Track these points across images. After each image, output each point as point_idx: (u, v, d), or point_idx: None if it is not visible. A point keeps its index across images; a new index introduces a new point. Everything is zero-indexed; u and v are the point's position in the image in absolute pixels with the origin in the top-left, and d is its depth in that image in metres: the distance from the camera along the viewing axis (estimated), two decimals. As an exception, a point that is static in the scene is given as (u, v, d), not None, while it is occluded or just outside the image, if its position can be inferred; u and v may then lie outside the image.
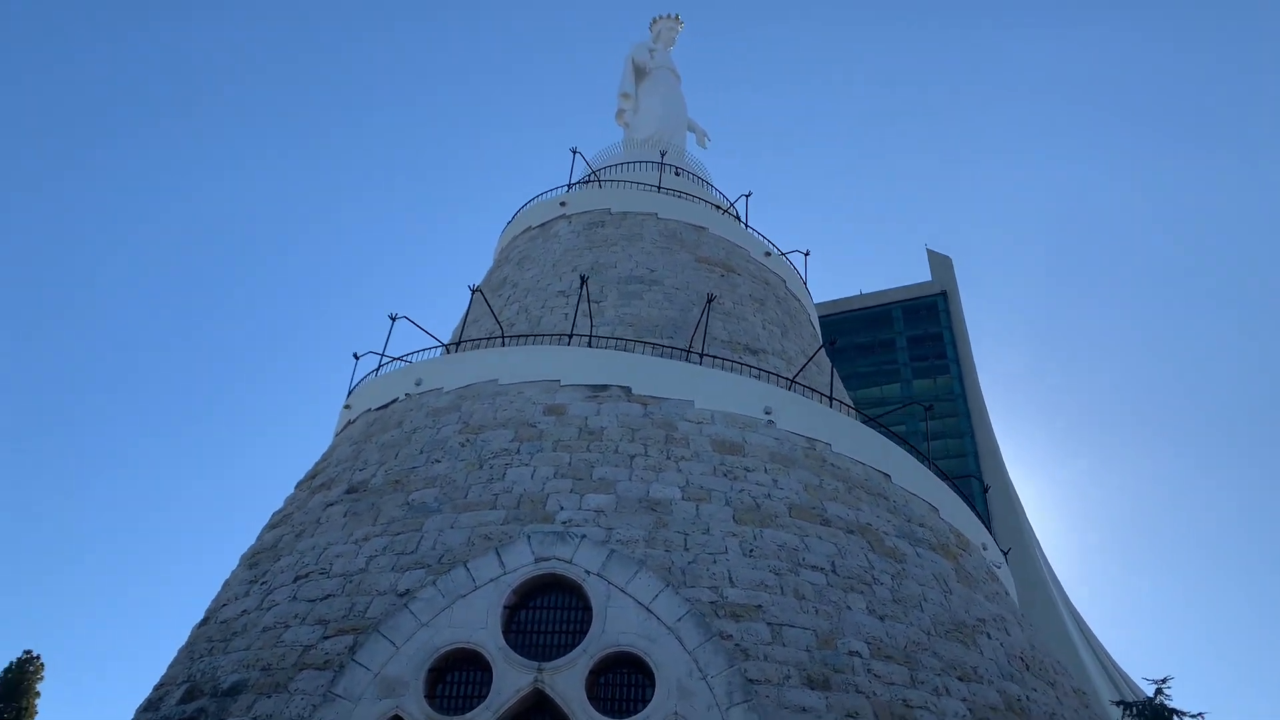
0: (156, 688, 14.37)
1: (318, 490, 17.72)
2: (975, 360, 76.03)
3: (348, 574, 14.33)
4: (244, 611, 14.70)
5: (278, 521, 17.68)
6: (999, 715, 13.32)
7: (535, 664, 12.26)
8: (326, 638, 13.26)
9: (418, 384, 19.37)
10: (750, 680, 12.25)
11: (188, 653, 14.69)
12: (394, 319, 21.75)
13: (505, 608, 13.00)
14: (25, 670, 22.93)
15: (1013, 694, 14.05)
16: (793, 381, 19.61)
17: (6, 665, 22.85)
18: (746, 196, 28.59)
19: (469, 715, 11.92)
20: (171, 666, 14.71)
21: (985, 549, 19.41)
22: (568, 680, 12.14)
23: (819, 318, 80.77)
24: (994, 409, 74.14)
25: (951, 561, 16.83)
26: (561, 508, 14.81)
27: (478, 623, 12.74)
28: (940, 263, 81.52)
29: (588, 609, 12.92)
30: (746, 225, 27.33)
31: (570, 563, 13.29)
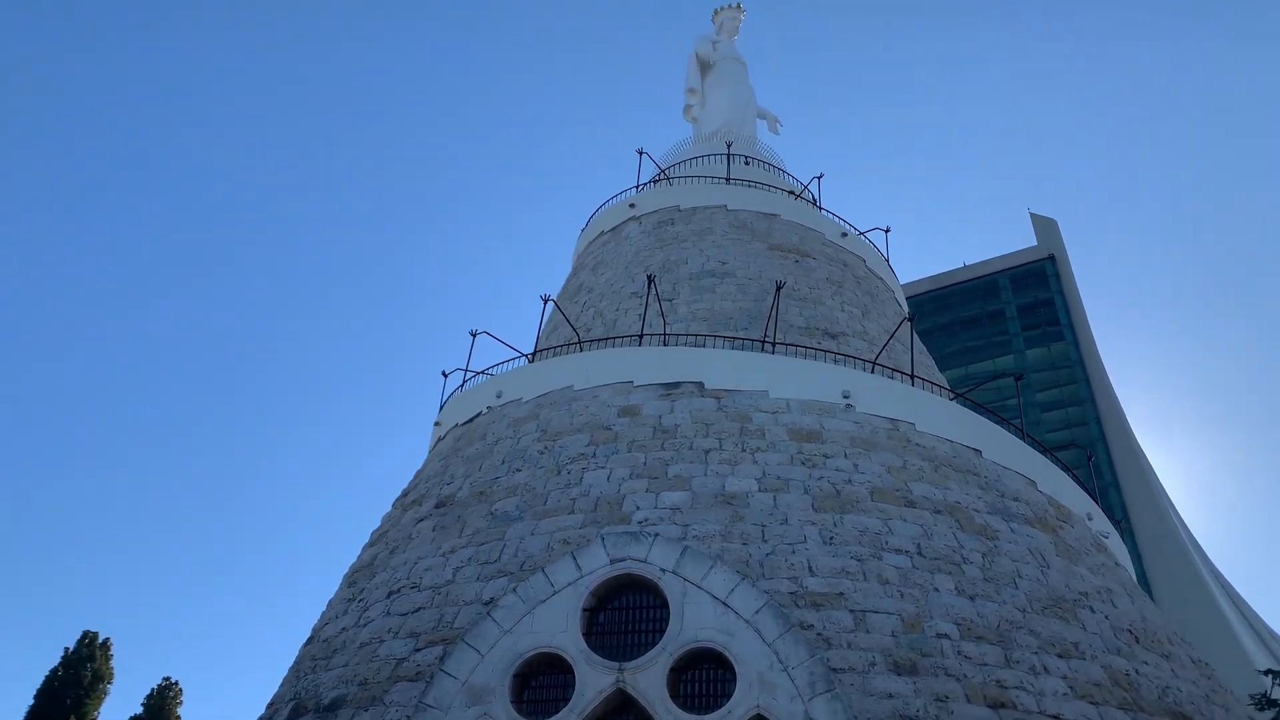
0: (268, 706, 15.07)
1: (410, 507, 18.27)
2: (1091, 324, 72.83)
3: (436, 586, 14.72)
4: (343, 629, 15.27)
5: (375, 540, 18.30)
6: (1103, 691, 12.73)
7: (616, 664, 12.35)
8: (418, 650, 13.65)
9: (499, 396, 19.75)
10: (833, 669, 12.05)
11: (295, 671, 15.34)
12: (474, 335, 22.21)
13: (584, 610, 13.13)
14: (166, 696, 24.38)
15: (1119, 668, 13.41)
16: (874, 363, 19.20)
17: (149, 692, 24.38)
18: (818, 179, 28.17)
19: (554, 719, 12.08)
20: (282, 685, 15.40)
21: (1090, 519, 18.58)
22: (649, 679, 12.19)
23: (920, 295, 79.10)
24: (1116, 373, 70.77)
25: (1050, 535, 16.17)
26: (637, 507, 14.87)
27: (558, 627, 12.91)
28: (1045, 226, 78.51)
29: (665, 607, 12.93)
30: (820, 208, 26.91)
31: (645, 562, 13.33)
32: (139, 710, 23.96)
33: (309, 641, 16.11)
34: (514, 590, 13.45)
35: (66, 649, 20.51)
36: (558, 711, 12.19)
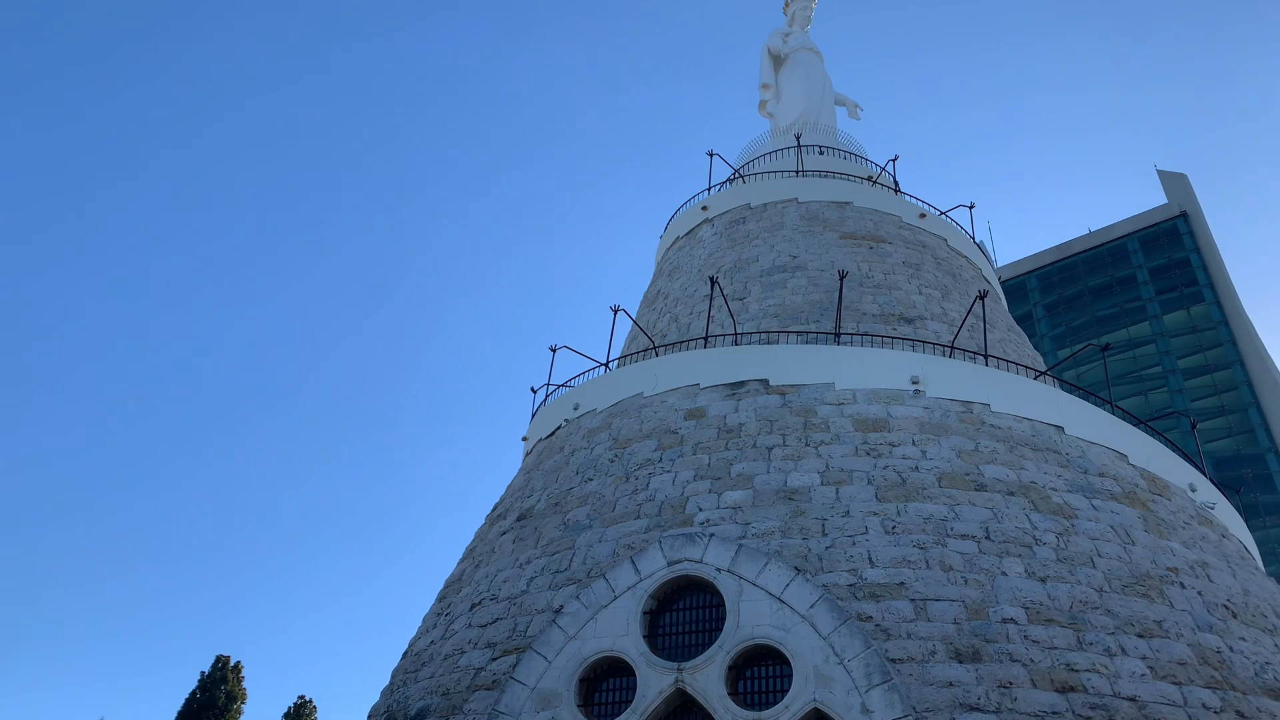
0: (369, 718, 15.93)
1: (495, 521, 18.94)
2: (1234, 281, 68.35)
3: (512, 597, 15.27)
4: (431, 642, 16.01)
5: (466, 555, 19.05)
6: (1188, 670, 12.13)
7: (675, 665, 12.56)
8: (494, 659, 14.20)
9: (576, 408, 20.23)
10: (892, 660, 11.93)
11: (390, 685, 16.18)
12: (554, 350, 22.80)
13: (645, 613, 13.39)
14: (302, 712, 25.92)
15: (1209, 646, 12.73)
16: (952, 346, 18.76)
17: (286, 710, 25.97)
18: (893, 161, 27.62)
19: (619, 719, 12.39)
20: (380, 699, 16.25)
21: (1194, 490, 17.62)
22: (707, 677, 12.34)
23: (1045, 267, 75.98)
24: (1267, 333, 66.01)
25: (1139, 509, 15.46)
26: (700, 509, 15.05)
27: (619, 630, 13.21)
28: (1175, 182, 74.25)
29: (722, 606, 13.06)
30: (898, 191, 26.39)
31: (701, 562, 13.49)
32: (278, 727, 25.70)
33: (404, 656, 16.93)
34: (578, 597, 13.83)
35: (202, 673, 22.22)
36: (621, 713, 12.49)
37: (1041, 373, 19.11)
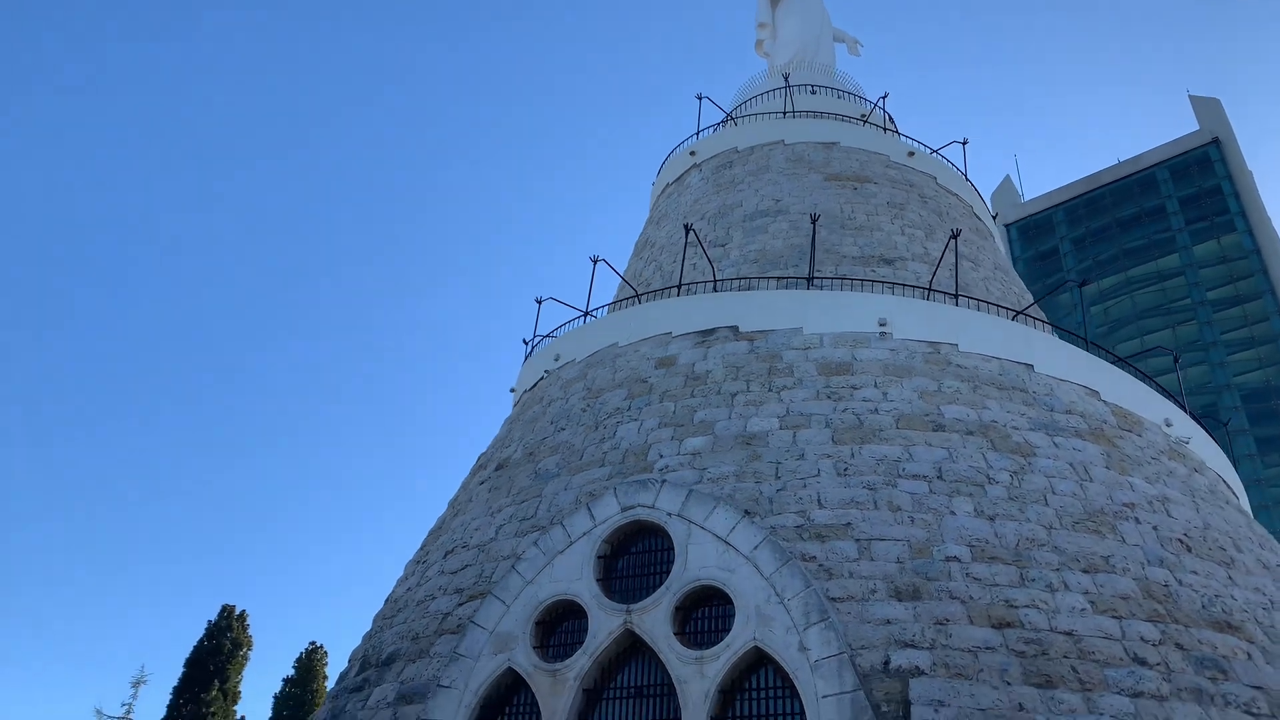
0: (349, 662, 16.54)
1: (477, 471, 19.35)
2: (1267, 210, 66.59)
3: (482, 544, 15.67)
4: (407, 589, 16.52)
5: (449, 505, 19.51)
6: (1130, 604, 12.21)
7: (624, 607, 12.89)
8: (460, 604, 14.65)
9: (556, 359, 20.47)
10: (832, 599, 12.14)
11: (370, 631, 16.74)
12: (540, 302, 22.99)
13: (599, 558, 13.71)
14: (314, 658, 26.91)
15: (1156, 580, 12.78)
16: (930, 288, 18.69)
17: (298, 655, 27.00)
18: (883, 98, 27.17)
19: (569, 661, 12.79)
20: (359, 644, 16.83)
21: (1169, 425, 17.50)
22: (654, 619, 12.66)
23: (1072, 200, 74.45)
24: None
25: (1104, 445, 15.42)
26: (661, 456, 15.26)
27: (574, 575, 13.55)
28: (1207, 108, 72.03)
29: (673, 549, 13.33)
30: (887, 129, 25.99)
31: (653, 508, 13.74)
32: (291, 673, 26.70)
33: (385, 602, 17.48)
34: (536, 544, 14.19)
35: (209, 622, 23.14)
36: (572, 654, 12.88)
37: (1018, 312, 18.95)
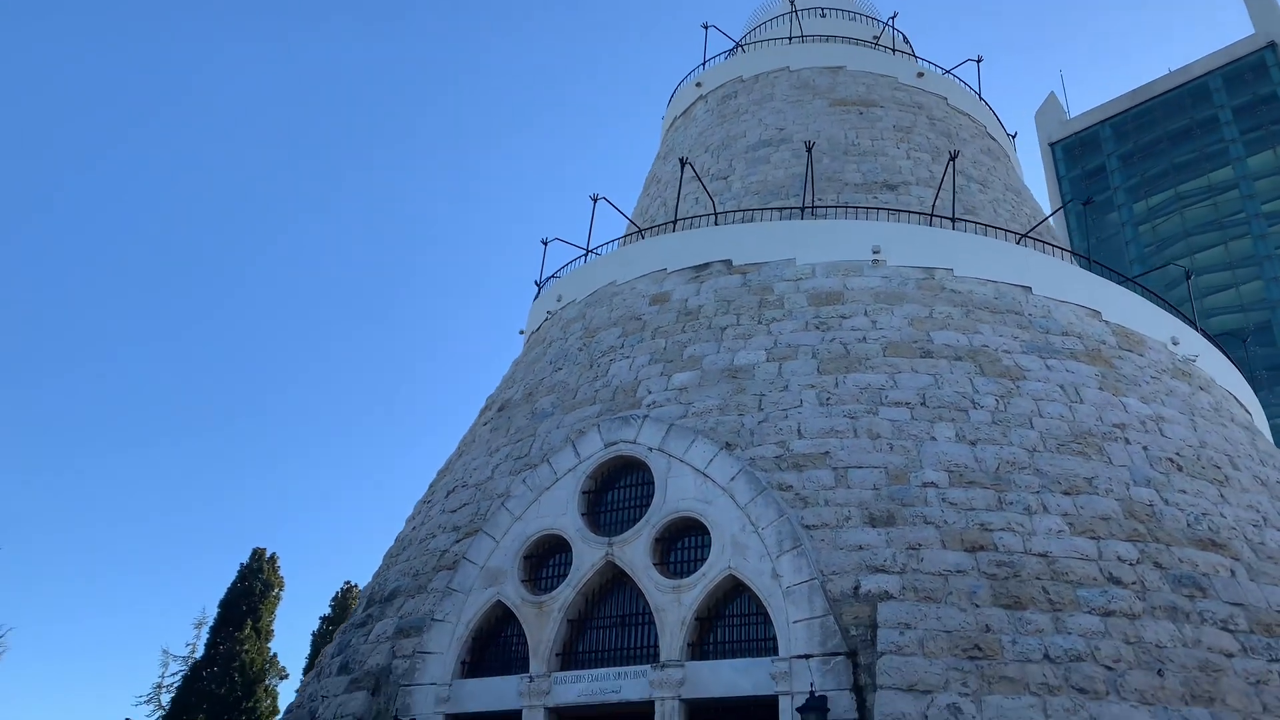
0: (359, 600, 17.12)
1: (484, 413, 19.66)
2: (1327, 114, 63.58)
3: (480, 483, 16.02)
4: (413, 528, 16.99)
5: (457, 446, 19.90)
6: (1110, 525, 12.12)
7: (606, 539, 13.15)
8: (457, 541, 15.05)
9: (559, 300, 20.57)
10: (807, 526, 12.25)
11: (379, 569, 17.28)
12: (545, 243, 22.98)
13: (584, 493, 13.96)
14: (349, 596, 27.87)
15: (1141, 500, 12.65)
16: (932, 214, 18.33)
17: (334, 594, 28.02)
18: (892, 18, 26.38)
19: (554, 593, 13.13)
20: (369, 582, 17.41)
21: (1175, 343, 17.11)
22: (634, 550, 12.91)
23: (1119, 115, 71.81)
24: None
25: (1100, 366, 15.17)
26: (650, 392, 15.37)
27: (560, 510, 13.83)
28: (1263, 9, 68.50)
29: (654, 483, 13.50)
30: (895, 50, 25.27)
31: (635, 443, 13.90)
32: (328, 611, 27.72)
33: (395, 541, 18.00)
34: (524, 481, 14.47)
35: (242, 564, 24.06)
36: (558, 586, 13.20)
37: (1023, 235, 18.51)
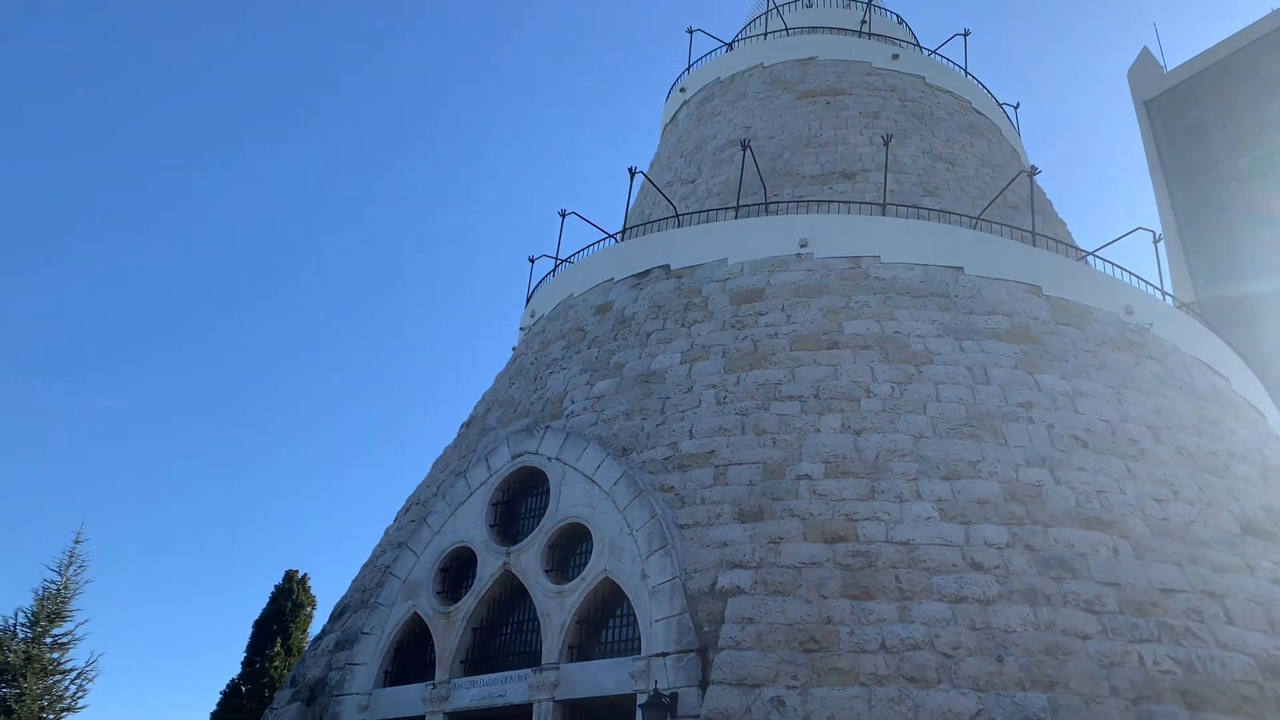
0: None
1: (460, 430, 20.48)
2: None
3: (424, 500, 16.79)
4: (372, 547, 17.91)
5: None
6: (985, 509, 11.83)
7: (505, 549, 13.66)
8: (396, 559, 15.83)
9: (532, 316, 21.23)
10: (682, 526, 12.46)
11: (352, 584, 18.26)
12: (533, 261, 23.64)
13: (493, 505, 14.52)
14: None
15: (1028, 481, 12.28)
16: (883, 202, 18.13)
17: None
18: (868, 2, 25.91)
19: (460, 602, 13.73)
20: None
21: (1130, 312, 16.37)
22: (529, 558, 13.37)
23: (1200, 73, 67.60)
24: None
25: (1024, 344, 14.73)
26: (573, 401, 15.82)
27: (473, 523, 14.43)
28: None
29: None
30: (868, 34, 24.85)
31: (536, 453, 14.37)
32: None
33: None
34: (444, 497, 15.14)
35: (276, 586, 25.66)
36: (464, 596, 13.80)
37: (977, 219, 17.98)
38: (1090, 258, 19.09)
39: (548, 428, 14.68)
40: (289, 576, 24.79)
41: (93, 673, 19.75)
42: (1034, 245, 16.96)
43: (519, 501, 14.74)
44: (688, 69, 27.10)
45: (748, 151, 21.09)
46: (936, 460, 12.51)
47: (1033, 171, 18.11)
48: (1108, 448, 13.09)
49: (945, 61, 24.57)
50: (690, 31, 27.66)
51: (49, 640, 19.60)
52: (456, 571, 14.56)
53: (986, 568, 11.16)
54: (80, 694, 19.66)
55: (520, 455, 14.51)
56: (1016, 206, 20.00)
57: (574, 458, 13.79)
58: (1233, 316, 55.87)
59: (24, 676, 18.65)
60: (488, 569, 13.67)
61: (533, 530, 13.74)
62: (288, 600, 24.23)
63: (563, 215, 22.20)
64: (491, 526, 14.24)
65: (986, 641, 10.39)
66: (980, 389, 13.68)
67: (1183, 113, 71.77)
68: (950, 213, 17.86)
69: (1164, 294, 17.29)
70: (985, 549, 11.38)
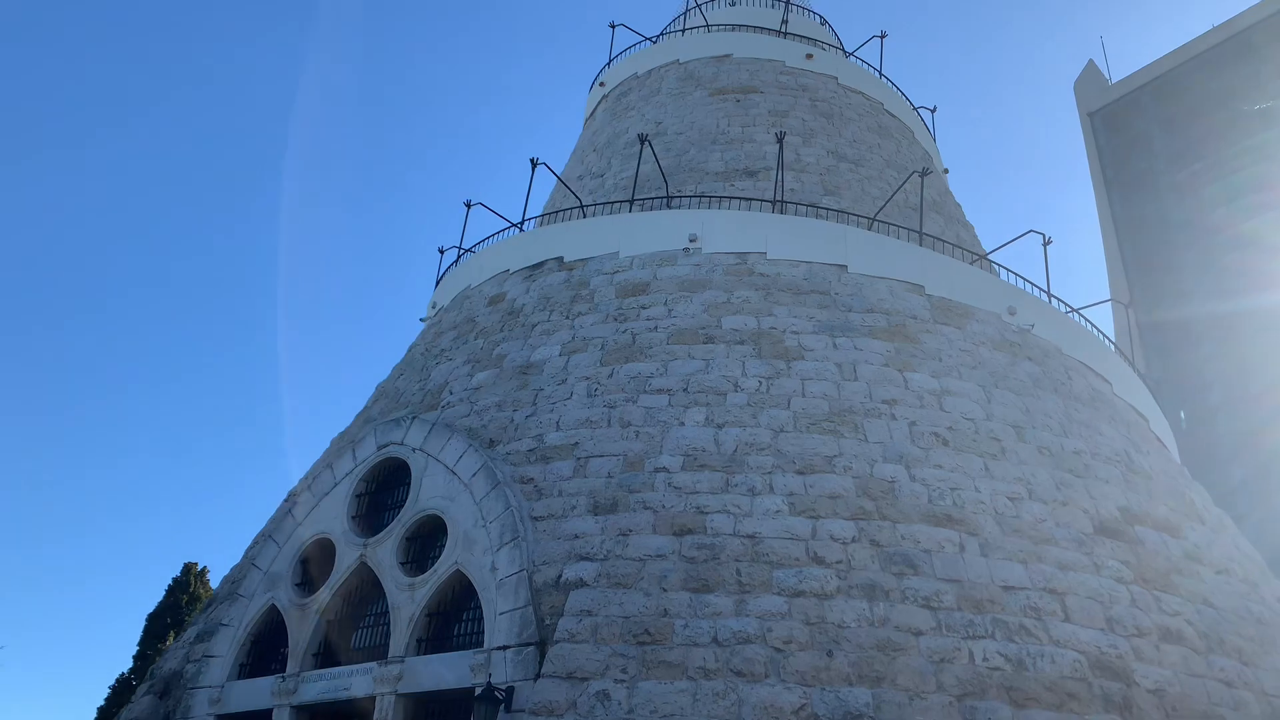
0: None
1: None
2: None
3: (299, 492, 16.42)
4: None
5: (334, 457, 20.38)
6: (836, 504, 11.78)
7: (363, 540, 13.38)
8: (260, 550, 15.47)
9: (433, 307, 20.92)
10: (536, 518, 12.28)
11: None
12: (443, 252, 23.29)
13: (357, 496, 14.24)
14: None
15: (883, 477, 12.25)
16: (777, 199, 18.07)
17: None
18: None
19: (316, 594, 13.43)
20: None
21: (1012, 313, 16.45)
22: (384, 550, 13.11)
23: (1158, 79, 68.25)
24: None
25: (896, 343, 14.71)
26: (452, 392, 15.58)
27: (335, 514, 14.13)
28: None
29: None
30: (784, 34, 24.85)
31: (401, 444, 14.11)
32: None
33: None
34: (309, 488, 14.83)
35: (174, 578, 25.14)
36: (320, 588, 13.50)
37: (873, 219, 17.94)
38: (987, 260, 19.22)
39: (414, 418, 14.43)
40: (187, 569, 24.29)
41: None
42: (920, 245, 16.95)
43: (384, 494, 14.46)
44: (608, 64, 26.96)
45: (647, 146, 20.92)
46: (793, 455, 12.44)
47: (924, 172, 18.17)
48: (968, 445, 13.10)
49: (862, 64, 24.63)
50: (613, 26, 27.48)
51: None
52: (320, 563, 14.25)
53: (829, 562, 11.10)
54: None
55: (386, 446, 14.25)
56: (917, 208, 20.07)
57: (437, 449, 13.56)
58: (1172, 339, 56.76)
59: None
60: (345, 561, 13.39)
61: (393, 522, 13.48)
62: (184, 593, 23.71)
63: (468, 206, 21.89)
64: (354, 518, 13.96)
65: (819, 636, 10.31)
66: (846, 385, 13.64)
67: (1126, 125, 73.07)
68: (846, 212, 17.84)
69: (1050, 296, 17.40)
70: (830, 544, 11.32)
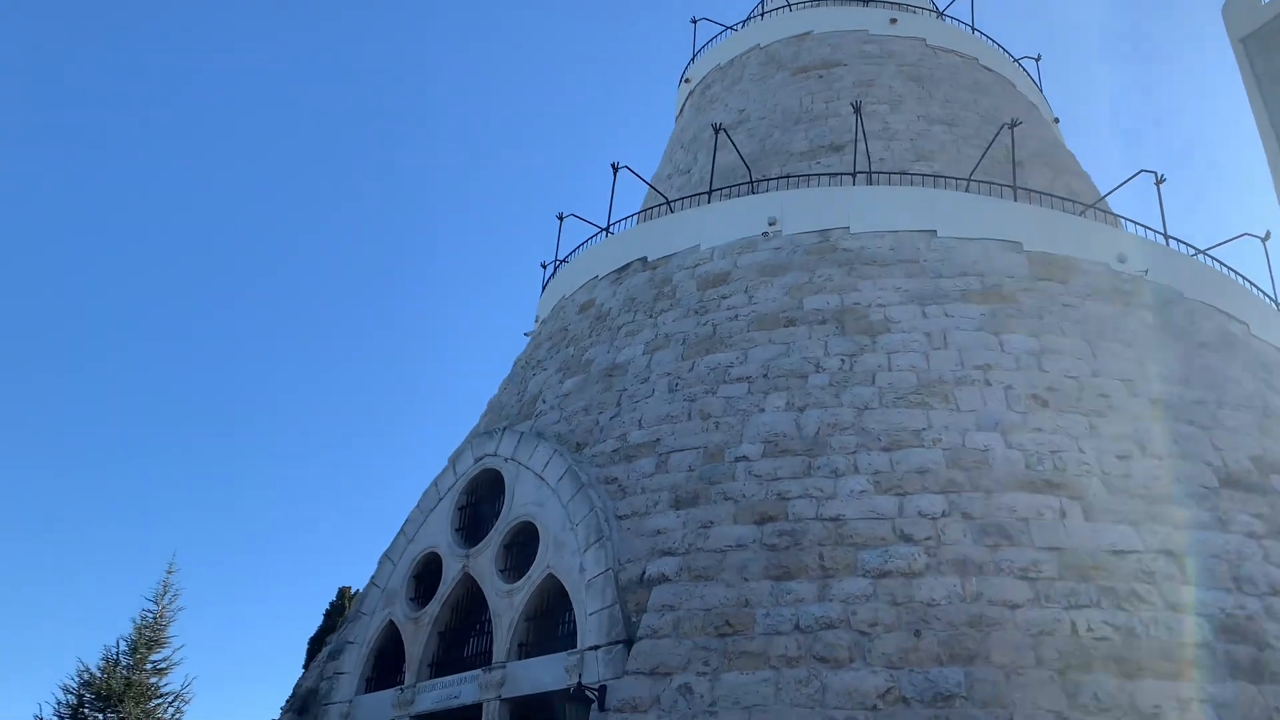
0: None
1: (473, 440, 20.74)
2: None
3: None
4: (383, 557, 18.27)
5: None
6: (925, 478, 11.26)
7: (465, 551, 13.76)
8: (379, 569, 16.14)
9: (537, 321, 21.36)
10: (621, 517, 12.32)
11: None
12: (545, 266, 23.78)
13: (459, 509, 14.63)
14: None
15: (975, 446, 11.63)
16: (868, 170, 17.52)
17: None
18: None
19: (427, 607, 13.89)
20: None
21: (1122, 260, 15.34)
22: (485, 559, 13.43)
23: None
24: None
25: (995, 304, 13.98)
26: (545, 401, 15.86)
27: (440, 528, 14.59)
28: None
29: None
30: (868, 2, 24.06)
31: (495, 455, 14.42)
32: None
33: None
34: (418, 505, 15.35)
35: (330, 603, 26.51)
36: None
37: (968, 179, 17.10)
38: (1099, 208, 18.00)
39: (505, 429, 14.74)
40: (341, 593, 25.59)
41: (189, 695, 20.99)
42: (1015, 200, 16.04)
43: (485, 505, 14.81)
44: (692, 59, 26.85)
45: (722, 134, 20.66)
46: (878, 432, 11.99)
47: (1014, 124, 17.14)
48: (1071, 405, 12.28)
49: (955, 22, 23.59)
50: (694, 21, 27.39)
51: (149, 666, 20.86)
52: (430, 577, 14.73)
53: (916, 539, 10.62)
54: (178, 715, 20.89)
55: (482, 458, 14.60)
56: (1020, 163, 19.00)
57: (526, 456, 13.81)
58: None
59: (124, 701, 19.85)
60: (450, 572, 13.80)
61: (491, 531, 13.80)
62: (340, 616, 24.95)
63: (560, 219, 22.25)
64: (457, 530, 14.37)
65: (906, 616, 9.88)
66: (936, 354, 13.05)
67: (1283, 46, 66.96)
68: (938, 175, 17.13)
69: (1167, 237, 16.10)
70: (918, 520, 10.83)
